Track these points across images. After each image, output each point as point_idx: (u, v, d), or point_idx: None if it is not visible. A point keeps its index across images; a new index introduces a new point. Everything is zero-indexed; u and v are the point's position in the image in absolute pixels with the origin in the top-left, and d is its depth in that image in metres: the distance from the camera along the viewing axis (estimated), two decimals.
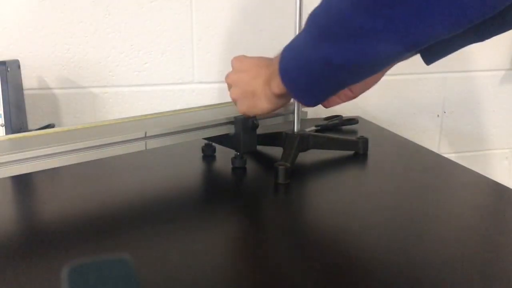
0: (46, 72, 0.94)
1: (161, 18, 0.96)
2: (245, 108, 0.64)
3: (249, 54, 0.68)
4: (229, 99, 0.69)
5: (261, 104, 0.61)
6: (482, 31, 0.53)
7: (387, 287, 0.41)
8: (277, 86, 0.57)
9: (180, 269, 0.44)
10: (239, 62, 0.64)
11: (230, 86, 0.67)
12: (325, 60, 0.48)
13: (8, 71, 0.79)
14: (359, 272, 0.44)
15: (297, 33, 0.62)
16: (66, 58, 0.94)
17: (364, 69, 0.49)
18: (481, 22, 0.39)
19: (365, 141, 0.78)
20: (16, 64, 0.84)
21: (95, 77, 0.96)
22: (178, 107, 1.01)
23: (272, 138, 0.75)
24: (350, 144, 0.78)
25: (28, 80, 0.92)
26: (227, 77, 0.67)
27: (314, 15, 0.49)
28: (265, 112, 0.63)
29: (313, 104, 0.57)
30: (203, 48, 1.00)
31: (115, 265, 0.28)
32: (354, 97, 0.68)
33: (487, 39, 0.53)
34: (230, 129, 0.70)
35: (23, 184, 0.67)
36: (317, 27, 0.49)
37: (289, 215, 0.56)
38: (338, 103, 0.69)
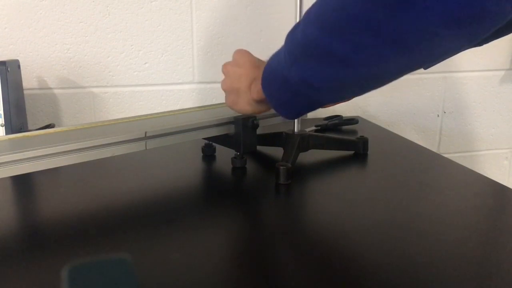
0: (46, 72, 0.94)
1: (161, 18, 0.96)
2: (229, 102, 0.63)
3: None
4: None
5: (242, 103, 0.61)
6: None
7: (387, 286, 0.41)
8: (257, 92, 0.57)
9: (180, 269, 0.44)
10: (240, 55, 0.63)
11: (224, 76, 0.66)
12: (302, 81, 0.48)
13: (8, 71, 0.79)
14: (360, 272, 0.44)
15: None
16: (66, 58, 0.94)
17: (345, 90, 0.49)
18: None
19: (365, 141, 0.78)
20: (16, 64, 0.84)
21: (95, 77, 0.96)
22: (178, 107, 1.01)
23: (272, 138, 0.75)
24: (350, 144, 0.78)
25: (28, 80, 0.92)
26: (224, 65, 0.66)
27: (292, 36, 0.49)
28: (246, 112, 0.62)
29: (292, 117, 0.57)
30: (203, 48, 1.00)
31: (115, 265, 0.28)
32: (349, 99, 0.67)
33: (485, 43, 0.53)
34: (230, 129, 0.70)
35: (23, 184, 0.67)
36: (294, 48, 0.48)
37: (291, 216, 0.56)
38: (334, 104, 0.69)
